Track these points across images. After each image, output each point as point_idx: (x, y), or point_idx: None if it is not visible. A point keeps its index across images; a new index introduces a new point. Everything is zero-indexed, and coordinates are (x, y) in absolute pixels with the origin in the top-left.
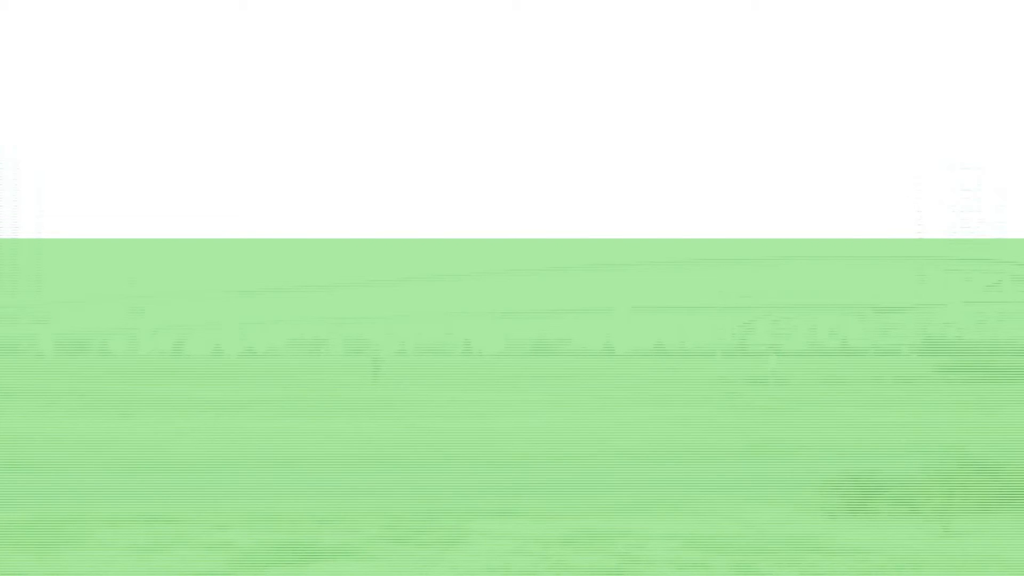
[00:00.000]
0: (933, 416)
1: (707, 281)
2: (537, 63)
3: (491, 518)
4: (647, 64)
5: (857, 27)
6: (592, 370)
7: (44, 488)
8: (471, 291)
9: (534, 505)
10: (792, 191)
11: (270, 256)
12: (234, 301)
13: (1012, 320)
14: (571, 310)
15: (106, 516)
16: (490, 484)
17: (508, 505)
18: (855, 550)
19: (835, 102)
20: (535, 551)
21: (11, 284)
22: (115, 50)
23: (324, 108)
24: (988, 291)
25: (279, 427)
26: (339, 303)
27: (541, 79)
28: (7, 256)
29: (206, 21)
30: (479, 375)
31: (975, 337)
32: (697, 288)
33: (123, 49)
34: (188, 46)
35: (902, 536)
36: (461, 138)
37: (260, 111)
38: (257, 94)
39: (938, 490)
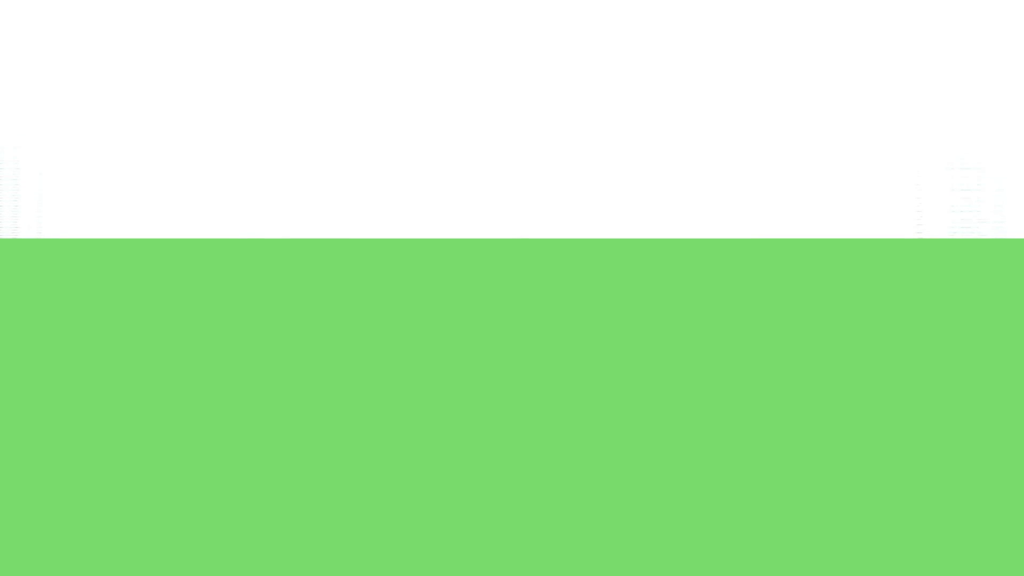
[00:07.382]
0: None
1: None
2: (537, 64)
3: None
4: (645, 63)
5: (856, 27)
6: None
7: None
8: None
9: None
10: (791, 191)
11: (270, 256)
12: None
13: None
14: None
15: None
16: None
17: None
18: None
19: (834, 101)
20: None
21: None
22: (115, 49)
23: (325, 108)
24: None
25: None
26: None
27: (541, 79)
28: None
29: (207, 21)
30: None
31: None
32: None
33: (123, 49)
34: (188, 46)
35: None
36: (462, 138)
37: (261, 111)
38: (258, 94)
39: None
